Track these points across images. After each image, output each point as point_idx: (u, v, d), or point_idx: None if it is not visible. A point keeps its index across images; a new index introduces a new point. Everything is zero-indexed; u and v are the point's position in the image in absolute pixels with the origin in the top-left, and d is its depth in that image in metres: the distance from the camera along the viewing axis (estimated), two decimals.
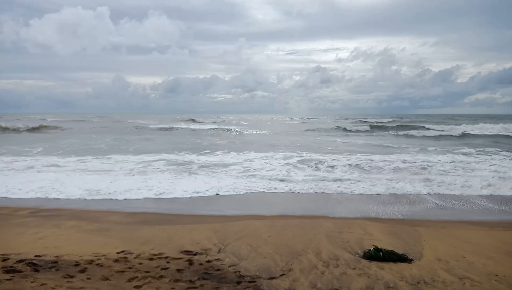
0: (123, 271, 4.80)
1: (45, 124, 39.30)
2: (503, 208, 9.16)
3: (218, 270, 4.96)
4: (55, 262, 5.09)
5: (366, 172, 13.68)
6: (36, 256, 5.33)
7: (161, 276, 4.66)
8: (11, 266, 4.86)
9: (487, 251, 5.84)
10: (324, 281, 4.65)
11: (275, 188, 10.93)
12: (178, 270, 4.89)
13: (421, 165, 14.84)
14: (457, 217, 8.29)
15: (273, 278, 4.74)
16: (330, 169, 14.21)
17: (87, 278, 4.55)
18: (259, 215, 8.27)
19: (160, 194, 10.03)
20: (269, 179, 12.11)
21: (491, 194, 10.37)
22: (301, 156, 17.35)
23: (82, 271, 4.79)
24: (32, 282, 4.37)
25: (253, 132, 39.40)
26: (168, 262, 5.20)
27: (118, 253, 5.57)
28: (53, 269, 4.82)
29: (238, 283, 4.56)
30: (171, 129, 42.21)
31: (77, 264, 5.02)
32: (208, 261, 5.27)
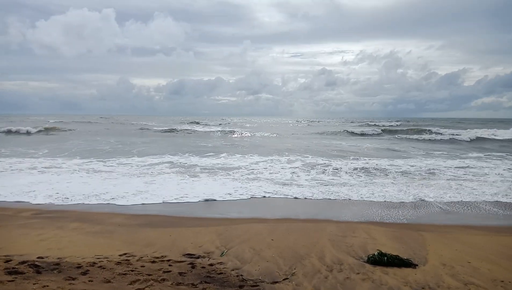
0: (125, 274, 4.77)
1: (50, 126, 39.44)
2: (509, 213, 9.07)
3: (221, 273, 4.93)
4: (58, 264, 5.08)
5: (379, 177, 13.55)
6: (38, 257, 5.32)
7: (163, 279, 4.63)
8: (13, 268, 4.86)
9: (493, 256, 5.78)
10: (327, 286, 4.61)
11: (280, 193, 10.81)
12: (181, 273, 4.86)
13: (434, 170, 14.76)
14: (462, 222, 8.22)
15: (276, 282, 4.70)
16: (338, 173, 14.06)
17: (89, 281, 4.54)
18: (262, 219, 8.23)
19: (163, 197, 9.89)
20: (275, 183, 12.04)
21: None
22: (308, 160, 17.32)
23: (84, 273, 4.78)
24: (34, 284, 4.36)
25: (260, 135, 39.11)
26: (170, 265, 5.17)
27: (120, 255, 5.55)
28: (55, 271, 4.81)
29: (241, 287, 4.52)
30: (176, 131, 42.20)
31: (79, 266, 5.00)
32: (211, 265, 5.24)
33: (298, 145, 26.19)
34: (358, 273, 5.01)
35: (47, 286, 4.33)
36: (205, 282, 4.61)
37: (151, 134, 38.51)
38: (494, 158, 19.50)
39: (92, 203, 9.35)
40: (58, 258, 5.33)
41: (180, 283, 4.55)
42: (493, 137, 35.18)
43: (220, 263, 5.33)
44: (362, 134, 40.42)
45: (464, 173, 14.29)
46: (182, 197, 10.05)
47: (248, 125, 68.09)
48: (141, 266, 5.09)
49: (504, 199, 10.27)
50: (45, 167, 14.37)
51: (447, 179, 12.97)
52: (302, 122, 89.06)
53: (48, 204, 9.13)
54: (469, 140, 32.93)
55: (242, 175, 13.44)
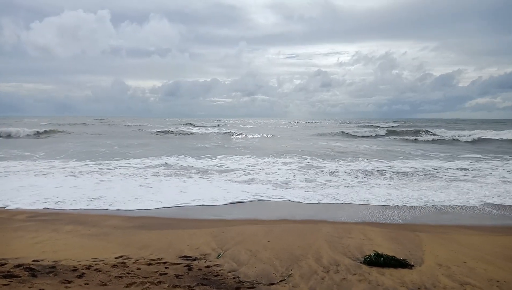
0: (121, 277, 4.75)
1: (46, 129, 39.12)
2: (504, 213, 9.11)
3: (217, 275, 4.92)
4: (53, 267, 5.05)
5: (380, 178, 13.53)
6: (34, 261, 5.28)
7: (160, 282, 4.61)
8: (8, 271, 4.82)
9: (489, 256, 5.81)
10: (324, 287, 4.61)
11: (277, 195, 10.67)
12: (177, 276, 4.84)
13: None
14: (458, 222, 8.25)
15: (273, 284, 4.70)
16: (336, 175, 13.96)
17: (85, 284, 4.51)
18: (258, 220, 8.22)
19: (161, 203, 9.60)
20: (274, 186, 11.87)
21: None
22: (308, 162, 17.22)
23: (80, 276, 4.75)
24: (29, 288, 4.33)
25: (258, 137, 38.86)
26: (166, 268, 5.15)
27: (116, 258, 5.53)
28: (51, 274, 4.78)
29: (238, 288, 4.51)
30: (172, 133, 42.10)
31: (75, 269, 4.97)
32: (207, 267, 5.23)
33: (299, 147, 25.72)
34: (354, 274, 5.02)
35: (43, 289, 4.30)
36: (202, 284, 4.60)
37: (147, 136, 38.41)
38: (500, 159, 19.41)
39: (87, 208, 9.11)
40: (54, 261, 5.30)
41: (177, 285, 4.53)
42: (493, 137, 35.09)
43: (217, 265, 5.32)
44: (363, 136, 39.79)
45: (471, 175, 14.20)
46: (179, 201, 9.81)
47: (244, 126, 67.92)
48: (137, 269, 5.06)
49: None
50: (41, 170, 14.28)
51: (450, 181, 12.96)
52: (300, 123, 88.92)
53: (43, 208, 9.04)
54: (471, 140, 32.77)
55: (238, 177, 13.40)
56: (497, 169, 15.64)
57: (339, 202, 10.06)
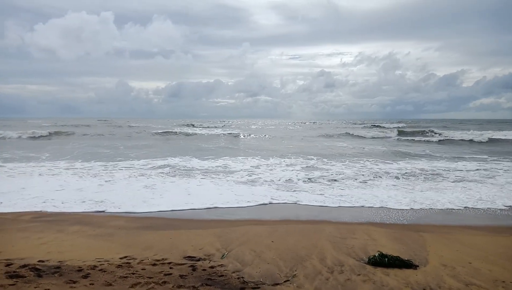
0: (126, 277, 4.77)
1: (51, 131, 39.20)
2: (509, 213, 9.07)
3: (222, 276, 4.93)
4: (58, 267, 5.08)
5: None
6: (39, 261, 5.32)
7: (164, 282, 4.63)
8: (14, 271, 4.85)
9: (494, 257, 5.78)
10: (328, 287, 4.61)
11: (286, 198, 10.45)
12: (181, 276, 4.86)
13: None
14: (462, 223, 8.23)
15: (277, 284, 4.70)
16: (345, 176, 13.81)
17: (90, 284, 4.53)
18: (262, 220, 8.23)
19: (165, 206, 9.40)
20: (282, 188, 11.70)
21: None
22: (316, 164, 17.10)
23: (85, 276, 4.77)
24: (35, 288, 4.35)
25: (265, 137, 38.56)
26: (171, 268, 5.17)
27: (121, 258, 5.55)
28: (56, 275, 4.81)
29: (242, 289, 4.52)
30: (176, 134, 42.13)
31: (80, 270, 5.00)
32: (212, 267, 5.24)
33: (311, 149, 25.38)
34: (359, 275, 5.02)
35: (48, 289, 4.33)
36: (206, 284, 4.61)
37: (151, 137, 38.47)
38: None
39: (92, 210, 8.98)
40: (59, 261, 5.33)
41: (181, 285, 4.55)
42: (503, 137, 34.78)
43: (221, 265, 5.33)
44: (373, 137, 39.09)
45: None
46: (186, 203, 9.66)
47: (249, 127, 67.76)
48: (142, 269, 5.08)
49: None
50: (46, 171, 14.36)
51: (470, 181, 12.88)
52: (305, 124, 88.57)
53: (48, 208, 9.08)
54: (485, 140, 32.49)
55: (248, 179, 13.20)
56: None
57: (356, 205, 9.76)
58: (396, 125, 67.38)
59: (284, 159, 18.70)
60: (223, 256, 5.73)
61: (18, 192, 10.51)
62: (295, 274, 5.01)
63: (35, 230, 7.08)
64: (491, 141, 32.80)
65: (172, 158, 18.72)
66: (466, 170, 15.32)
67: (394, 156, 21.26)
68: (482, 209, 9.47)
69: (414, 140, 34.77)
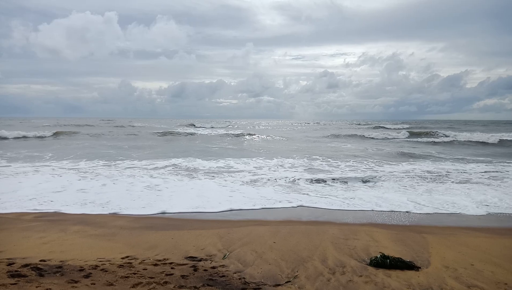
0: (127, 277, 4.78)
1: (55, 131, 39.29)
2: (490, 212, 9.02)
3: (223, 276, 4.92)
4: (60, 267, 5.09)
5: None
6: (41, 260, 5.33)
7: (166, 282, 4.63)
8: (16, 271, 4.86)
9: (496, 259, 5.75)
10: (330, 289, 4.60)
11: (292, 200, 10.23)
12: (183, 276, 4.86)
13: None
14: (465, 224, 8.19)
15: (279, 285, 4.69)
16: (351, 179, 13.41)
17: (92, 284, 4.54)
18: (264, 221, 8.23)
19: (166, 208, 9.22)
20: (287, 192, 11.35)
21: None
22: (325, 167, 16.95)
23: (87, 276, 4.78)
24: (36, 287, 4.36)
25: (269, 138, 38.26)
26: (172, 268, 5.17)
27: (122, 258, 5.56)
28: (57, 274, 4.82)
29: (243, 289, 4.52)
30: (180, 134, 42.18)
31: (81, 269, 5.01)
32: (213, 267, 5.24)
33: (318, 149, 25.08)
34: (360, 276, 5.00)
35: (50, 289, 4.33)
36: (208, 285, 4.61)
37: (154, 137, 38.54)
38: None
39: (94, 213, 8.79)
40: (61, 261, 5.34)
41: (183, 286, 4.55)
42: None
43: (222, 266, 5.32)
44: (385, 138, 38.48)
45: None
46: (196, 207, 9.40)
47: (254, 127, 67.62)
48: (144, 269, 5.09)
49: None
50: (50, 171, 14.41)
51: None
52: (310, 124, 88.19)
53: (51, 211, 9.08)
54: (496, 142, 32.17)
55: (252, 179, 13.09)
56: None
57: (360, 207, 9.57)
58: (400, 126, 67.12)
59: (290, 160, 18.55)
60: (224, 256, 5.73)
61: (18, 192, 10.54)
62: (296, 275, 5.00)
63: (37, 229, 7.10)
64: (502, 142, 32.39)
65: (176, 158, 18.60)
66: (484, 172, 15.11)
67: (403, 157, 20.96)
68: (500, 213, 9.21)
69: (423, 141, 33.96)
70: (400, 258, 5.47)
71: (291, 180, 13.10)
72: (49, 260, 5.37)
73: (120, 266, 5.20)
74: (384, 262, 5.35)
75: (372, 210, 9.35)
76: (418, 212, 9.16)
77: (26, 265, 5.08)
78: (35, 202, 9.53)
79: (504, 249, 6.31)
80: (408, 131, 45.03)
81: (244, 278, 4.89)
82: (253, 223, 7.90)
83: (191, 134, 42.64)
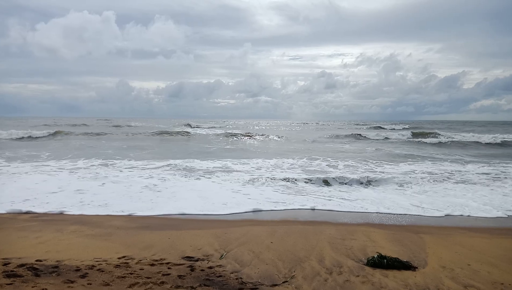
0: (124, 277, 4.76)
1: (52, 131, 39.11)
2: (509, 215, 9.05)
3: (220, 276, 4.91)
4: (56, 267, 5.06)
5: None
6: (37, 260, 5.30)
7: (162, 282, 4.62)
8: (12, 271, 4.84)
9: (493, 259, 5.77)
10: (327, 289, 4.59)
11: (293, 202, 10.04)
12: (180, 276, 4.84)
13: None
14: (462, 224, 8.21)
15: (276, 285, 4.69)
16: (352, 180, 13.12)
17: (88, 284, 4.52)
18: (261, 221, 8.22)
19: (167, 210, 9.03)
20: (290, 193, 11.17)
21: None
22: (327, 169, 16.88)
23: (83, 276, 4.76)
24: (32, 287, 4.34)
25: (267, 139, 37.94)
26: (169, 268, 5.16)
27: (119, 258, 5.54)
28: (54, 274, 4.79)
29: (240, 289, 4.51)
30: (178, 134, 42.04)
31: (78, 269, 4.98)
32: (210, 267, 5.23)
33: (319, 150, 24.71)
34: (357, 276, 5.00)
35: (46, 289, 4.31)
36: (205, 285, 4.59)
37: (151, 137, 38.46)
38: None
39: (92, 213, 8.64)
40: (57, 261, 5.31)
41: (179, 286, 4.53)
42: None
43: (219, 266, 5.31)
44: (384, 139, 37.95)
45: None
46: (201, 209, 9.15)
47: (251, 127, 67.39)
48: (140, 269, 5.07)
49: None
50: (46, 171, 14.35)
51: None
52: (308, 124, 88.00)
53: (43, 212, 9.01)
54: (496, 142, 32.14)
55: (250, 179, 13.04)
56: None
57: (359, 209, 9.48)
58: (399, 126, 67.04)
59: (295, 161, 18.40)
60: (221, 256, 5.72)
61: (18, 193, 10.49)
62: (293, 275, 4.99)
63: (33, 229, 7.06)
64: (505, 143, 32.20)
65: (174, 159, 18.39)
66: (485, 173, 15.03)
67: (402, 158, 20.89)
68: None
69: (423, 142, 33.51)
70: (397, 258, 5.47)
71: (291, 181, 12.94)
72: (45, 260, 5.34)
73: (117, 266, 5.18)
74: (381, 262, 5.35)
75: (376, 212, 9.24)
76: (417, 214, 9.13)
77: (22, 265, 5.06)
78: (30, 203, 9.37)
79: (500, 249, 6.33)
80: (409, 132, 44.78)
81: (241, 278, 4.88)
82: (250, 223, 7.89)
83: (189, 134, 42.52)
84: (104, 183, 12.02)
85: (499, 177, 14.01)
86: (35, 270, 4.89)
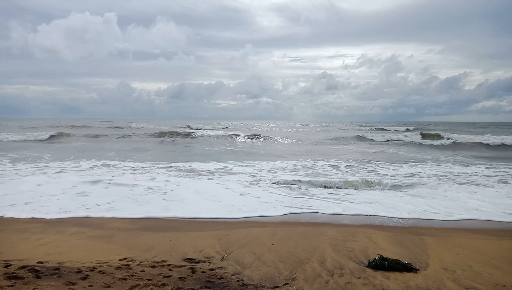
0: (125, 279, 4.76)
1: (53, 133, 39.15)
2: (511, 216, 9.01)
3: (221, 278, 4.91)
4: (57, 269, 5.07)
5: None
6: (38, 262, 5.31)
7: (164, 284, 4.61)
8: (13, 273, 4.84)
9: (494, 260, 5.75)
10: None
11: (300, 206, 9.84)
12: (181, 278, 4.84)
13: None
14: (463, 226, 8.18)
15: (277, 287, 4.68)
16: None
17: (89, 286, 4.52)
18: (262, 222, 8.21)
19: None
20: (295, 196, 10.99)
21: None
22: (329, 171, 16.91)
23: (84, 278, 4.76)
24: (33, 289, 4.35)
25: (271, 140, 37.76)
26: (170, 270, 5.16)
27: (120, 260, 5.54)
28: (55, 276, 4.80)
29: None
30: (179, 135, 42.05)
31: (79, 271, 4.99)
32: (211, 269, 5.22)
33: (323, 152, 24.67)
34: (359, 278, 4.99)
35: None
36: (206, 287, 4.59)
37: (153, 139, 38.48)
38: None
39: (96, 216, 8.52)
40: (58, 263, 5.32)
41: (181, 288, 4.53)
42: None
43: (221, 267, 5.31)
44: (390, 140, 37.48)
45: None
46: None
47: (252, 129, 67.29)
48: (141, 271, 5.07)
49: None
50: (47, 172, 14.37)
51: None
52: (311, 126, 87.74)
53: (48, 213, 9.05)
54: (500, 143, 31.99)
55: (253, 179, 13.08)
56: None
57: (358, 211, 9.52)
58: (401, 128, 66.80)
59: (298, 162, 18.34)
60: (222, 258, 5.72)
61: (18, 194, 10.51)
62: (294, 277, 4.99)
63: (34, 231, 7.07)
64: (507, 145, 31.99)
65: (175, 162, 18.08)
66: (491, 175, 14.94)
67: (406, 159, 20.76)
68: None
69: (426, 144, 33.31)
70: (399, 260, 5.46)
71: (294, 182, 12.84)
72: (46, 262, 5.35)
73: (118, 268, 5.18)
74: (382, 264, 5.34)
75: (377, 215, 9.09)
76: (418, 217, 9.01)
77: (23, 267, 5.06)
78: (32, 206, 9.32)
79: (502, 251, 6.30)
80: (412, 133, 44.60)
81: (242, 280, 4.87)
82: (251, 225, 7.89)
83: (190, 135, 42.52)
84: (106, 187, 12.00)
85: (504, 180, 13.89)
86: (36, 272, 4.90)
